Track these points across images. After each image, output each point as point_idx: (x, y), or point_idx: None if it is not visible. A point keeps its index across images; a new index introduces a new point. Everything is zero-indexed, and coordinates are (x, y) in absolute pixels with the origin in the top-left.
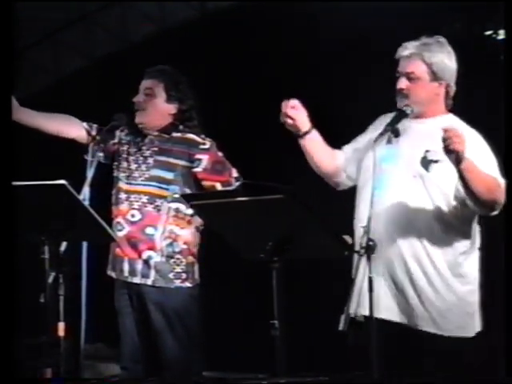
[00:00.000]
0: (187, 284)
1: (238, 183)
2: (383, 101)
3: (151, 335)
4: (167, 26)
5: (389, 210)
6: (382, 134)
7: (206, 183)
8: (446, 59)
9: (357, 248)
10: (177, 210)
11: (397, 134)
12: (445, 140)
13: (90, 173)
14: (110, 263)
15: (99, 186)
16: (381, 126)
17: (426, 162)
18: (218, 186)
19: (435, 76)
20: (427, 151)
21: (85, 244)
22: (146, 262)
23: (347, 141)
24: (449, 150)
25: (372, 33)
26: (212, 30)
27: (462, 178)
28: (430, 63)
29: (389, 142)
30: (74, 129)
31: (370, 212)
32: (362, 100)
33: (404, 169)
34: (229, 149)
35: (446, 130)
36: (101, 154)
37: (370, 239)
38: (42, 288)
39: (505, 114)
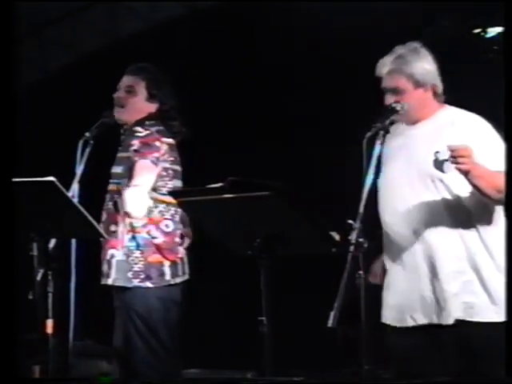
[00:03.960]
0: (147, 284)
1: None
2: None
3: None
4: (155, 23)
5: (410, 218)
6: (373, 133)
7: None
8: (424, 65)
9: None
10: None
11: (387, 131)
12: (451, 157)
13: (79, 170)
14: None
15: (88, 183)
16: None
17: (439, 163)
18: None
19: (418, 84)
20: (437, 152)
21: (74, 241)
22: (109, 262)
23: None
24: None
25: (361, 31)
26: (200, 28)
27: (471, 184)
28: (410, 74)
29: (381, 143)
30: None
31: (362, 210)
32: (358, 99)
33: (420, 177)
34: (217, 146)
35: (451, 150)
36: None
37: (359, 236)
38: (31, 285)
39: (505, 113)
